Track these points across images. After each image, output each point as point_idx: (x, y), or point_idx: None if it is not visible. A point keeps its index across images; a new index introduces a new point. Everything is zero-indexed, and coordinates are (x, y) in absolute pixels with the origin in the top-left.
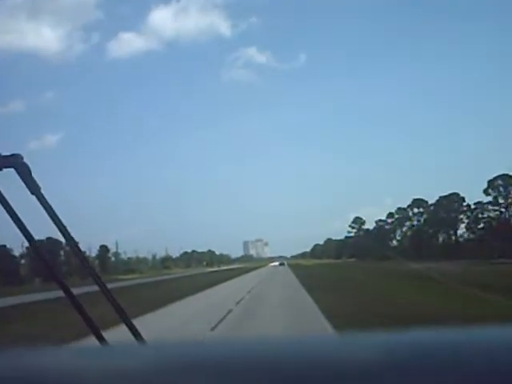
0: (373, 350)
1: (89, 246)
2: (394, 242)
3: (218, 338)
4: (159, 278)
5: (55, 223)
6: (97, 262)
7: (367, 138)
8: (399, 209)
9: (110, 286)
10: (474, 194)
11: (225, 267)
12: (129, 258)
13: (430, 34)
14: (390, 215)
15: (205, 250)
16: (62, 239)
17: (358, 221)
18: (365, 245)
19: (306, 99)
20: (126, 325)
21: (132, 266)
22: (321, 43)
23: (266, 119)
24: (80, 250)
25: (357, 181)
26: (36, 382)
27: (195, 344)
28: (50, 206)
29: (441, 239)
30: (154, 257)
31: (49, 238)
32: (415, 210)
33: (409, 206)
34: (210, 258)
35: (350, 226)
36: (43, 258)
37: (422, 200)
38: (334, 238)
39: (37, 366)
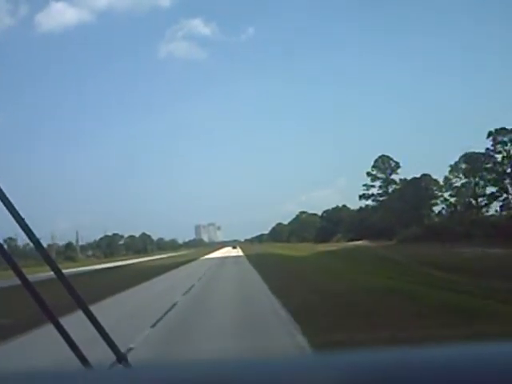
0: (353, 369)
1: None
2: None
3: (203, 359)
4: None
5: (15, 219)
6: None
7: (318, 115)
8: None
9: None
10: None
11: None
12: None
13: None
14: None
15: (137, 234)
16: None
17: (387, 163)
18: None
19: (256, 75)
20: (107, 342)
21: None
22: (271, 14)
23: (214, 98)
24: (42, 247)
25: (308, 162)
26: None
27: (181, 365)
28: (10, 202)
29: None
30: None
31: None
32: None
33: None
34: (143, 242)
35: (368, 174)
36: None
37: None
38: (309, 212)
39: None
